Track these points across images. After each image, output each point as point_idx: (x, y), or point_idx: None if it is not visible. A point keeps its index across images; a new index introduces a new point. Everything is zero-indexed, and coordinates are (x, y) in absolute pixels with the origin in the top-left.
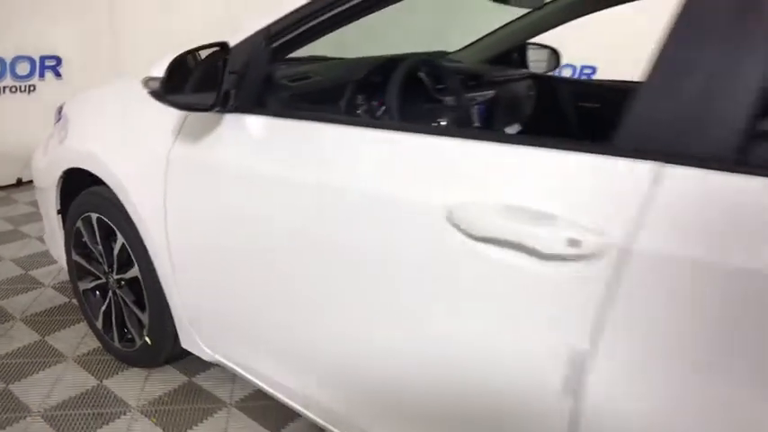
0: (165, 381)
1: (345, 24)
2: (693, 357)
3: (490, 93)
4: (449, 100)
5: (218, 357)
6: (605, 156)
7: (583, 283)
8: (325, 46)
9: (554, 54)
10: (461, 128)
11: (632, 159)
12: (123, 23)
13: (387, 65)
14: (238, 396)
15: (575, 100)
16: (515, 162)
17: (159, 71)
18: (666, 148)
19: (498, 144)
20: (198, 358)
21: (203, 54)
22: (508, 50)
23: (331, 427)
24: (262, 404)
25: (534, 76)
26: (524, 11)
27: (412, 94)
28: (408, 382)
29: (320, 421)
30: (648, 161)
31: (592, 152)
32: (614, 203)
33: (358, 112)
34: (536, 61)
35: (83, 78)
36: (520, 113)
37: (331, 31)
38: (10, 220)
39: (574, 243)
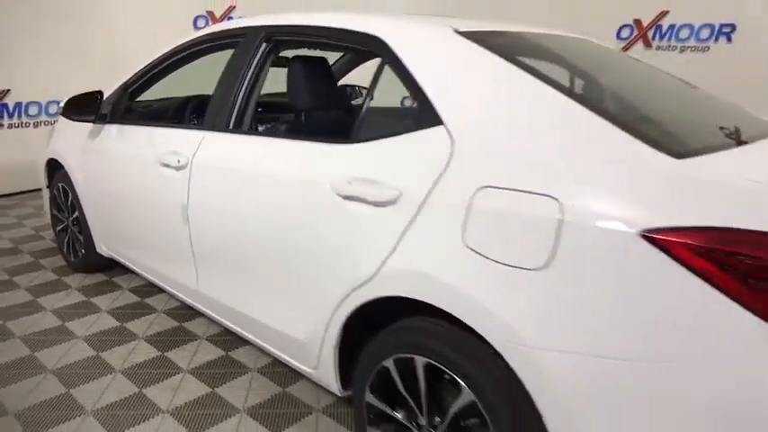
0: (95, 278)
1: (161, 79)
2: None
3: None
4: None
5: (111, 254)
6: (192, 129)
7: (186, 175)
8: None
9: (353, 89)
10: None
11: (197, 130)
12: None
13: (188, 100)
14: (135, 284)
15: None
16: (175, 135)
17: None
18: (209, 124)
19: (173, 128)
20: (114, 271)
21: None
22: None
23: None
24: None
25: None
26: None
27: None
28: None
29: (149, 277)
30: (201, 130)
31: (190, 128)
32: (193, 144)
33: (174, 121)
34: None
35: None
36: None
37: (155, 84)
38: (35, 207)
39: (180, 161)
